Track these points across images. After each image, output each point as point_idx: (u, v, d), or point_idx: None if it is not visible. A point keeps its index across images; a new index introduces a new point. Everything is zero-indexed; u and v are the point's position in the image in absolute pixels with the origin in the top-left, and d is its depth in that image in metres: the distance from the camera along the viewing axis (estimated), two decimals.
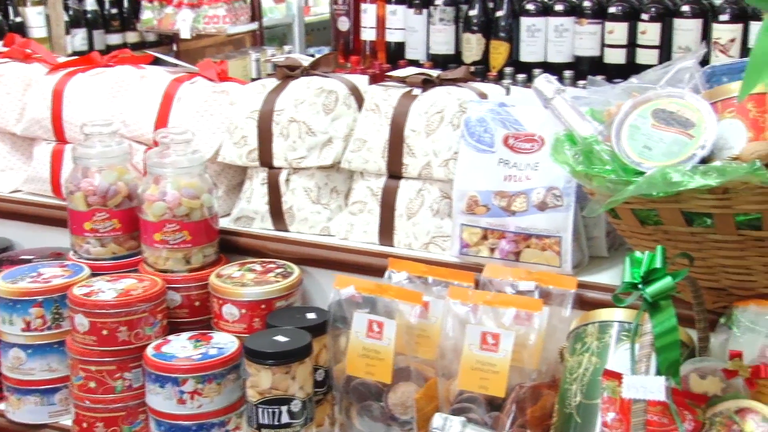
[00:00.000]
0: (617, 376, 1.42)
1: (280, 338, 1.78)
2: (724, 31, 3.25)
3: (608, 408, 1.43)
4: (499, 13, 3.73)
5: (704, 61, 3.05)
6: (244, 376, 1.79)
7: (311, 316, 1.89)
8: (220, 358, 1.83)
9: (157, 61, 2.53)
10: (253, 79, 3.72)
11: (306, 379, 1.77)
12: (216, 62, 2.36)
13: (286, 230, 2.13)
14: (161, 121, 2.23)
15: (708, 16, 3.34)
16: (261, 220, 2.14)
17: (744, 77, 1.39)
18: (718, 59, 3.19)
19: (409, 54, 3.95)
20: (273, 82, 2.18)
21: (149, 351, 1.85)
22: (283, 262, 2.04)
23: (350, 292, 1.85)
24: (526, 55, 3.68)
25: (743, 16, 3.23)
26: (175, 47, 5.05)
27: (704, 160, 1.47)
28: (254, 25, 5.02)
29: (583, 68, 3.56)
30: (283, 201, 2.11)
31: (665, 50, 3.40)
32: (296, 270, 2.00)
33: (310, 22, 5.57)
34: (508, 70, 3.65)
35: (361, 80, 2.20)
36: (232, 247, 2.12)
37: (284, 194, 2.11)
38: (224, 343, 1.88)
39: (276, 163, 2.11)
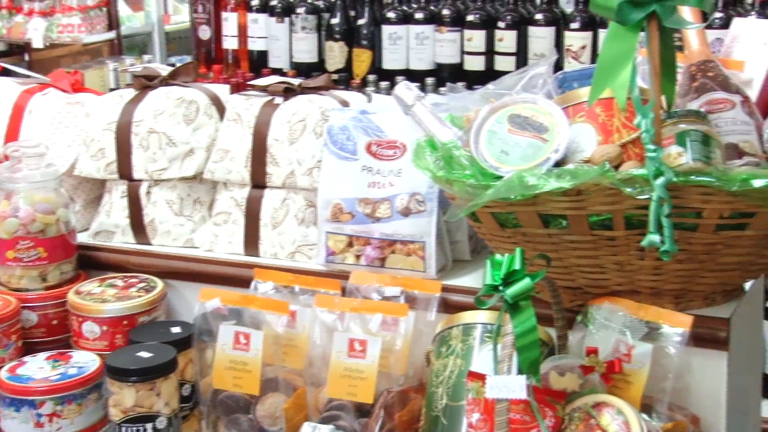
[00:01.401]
0: (481, 377, 1.45)
1: (144, 354, 1.74)
2: (576, 39, 3.36)
3: (473, 409, 1.46)
4: (361, 21, 3.75)
5: (559, 67, 3.15)
6: (107, 394, 1.74)
7: (176, 330, 1.86)
8: (80, 378, 1.77)
9: (6, 72, 2.43)
10: (112, 90, 3.63)
11: (171, 395, 1.73)
12: (70, 72, 2.29)
13: (149, 243, 2.08)
14: (11, 134, 2.15)
15: (560, 23, 3.45)
16: (122, 233, 2.09)
17: (592, 83, 1.45)
18: (570, 65, 3.30)
19: (273, 62, 3.93)
20: (131, 93, 2.13)
21: (3, 374, 1.77)
22: (146, 276, 1.99)
23: (215, 304, 1.83)
24: (389, 62, 3.72)
25: (592, 24, 3.35)
26: (27, 57, 4.86)
27: (558, 164, 1.52)
28: (112, 34, 4.88)
29: (445, 75, 3.61)
30: (144, 214, 2.07)
31: (521, 57, 3.49)
32: (160, 284, 1.96)
33: (171, 31, 5.45)
34: (371, 77, 3.67)
35: (222, 90, 2.18)
36: (91, 262, 2.06)
37: (145, 207, 2.07)
38: (84, 361, 1.82)
39: (136, 175, 2.06)
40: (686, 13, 1.62)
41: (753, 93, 1.65)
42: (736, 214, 1.46)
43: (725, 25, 2.47)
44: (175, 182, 2.06)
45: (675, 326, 1.53)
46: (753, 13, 2.95)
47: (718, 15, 2.99)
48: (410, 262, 1.83)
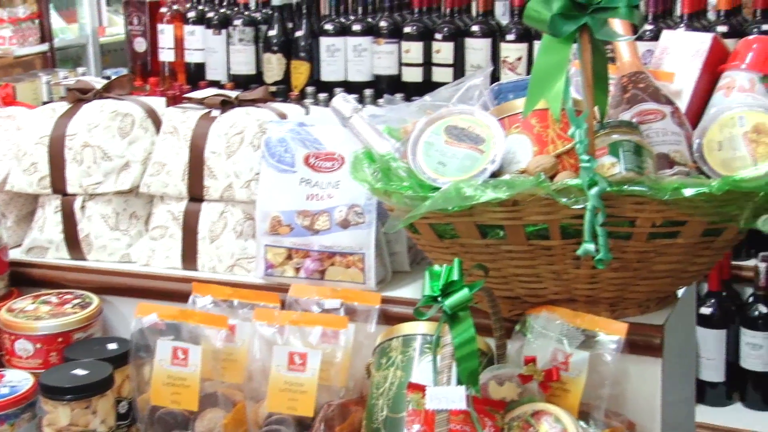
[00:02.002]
0: (421, 389, 1.45)
1: (79, 372, 1.71)
2: (512, 50, 3.39)
3: (413, 420, 1.46)
4: (299, 33, 3.75)
5: (496, 78, 3.18)
6: (41, 414, 1.70)
7: (112, 346, 1.83)
8: (12, 398, 1.72)
9: None
10: (45, 103, 3.56)
11: (108, 413, 1.71)
12: (0, 85, 2.25)
13: (84, 259, 2.05)
14: None
15: (496, 35, 3.48)
16: (56, 249, 2.05)
17: (527, 94, 1.47)
18: (507, 77, 3.33)
19: (210, 75, 3.90)
20: (64, 106, 2.09)
21: None
22: (82, 292, 1.96)
23: (153, 319, 1.80)
24: (327, 74, 3.72)
25: (528, 36, 3.38)
26: None
27: (494, 174, 1.53)
28: (44, 47, 4.79)
29: (383, 87, 3.62)
30: (79, 229, 2.03)
31: (459, 68, 3.52)
32: (95, 300, 1.93)
33: (106, 43, 5.38)
34: (309, 89, 3.66)
35: (158, 102, 2.15)
36: (24, 279, 2.02)
37: (80, 222, 2.03)
38: (17, 380, 1.77)
39: (70, 189, 2.03)
40: (617, 25, 1.65)
41: (682, 104, 1.69)
42: (667, 223, 1.49)
43: (655, 37, 2.52)
44: (111, 196, 2.03)
45: (610, 334, 1.55)
46: (682, 25, 3.01)
47: (648, 27, 3.05)
48: (350, 274, 1.83)
